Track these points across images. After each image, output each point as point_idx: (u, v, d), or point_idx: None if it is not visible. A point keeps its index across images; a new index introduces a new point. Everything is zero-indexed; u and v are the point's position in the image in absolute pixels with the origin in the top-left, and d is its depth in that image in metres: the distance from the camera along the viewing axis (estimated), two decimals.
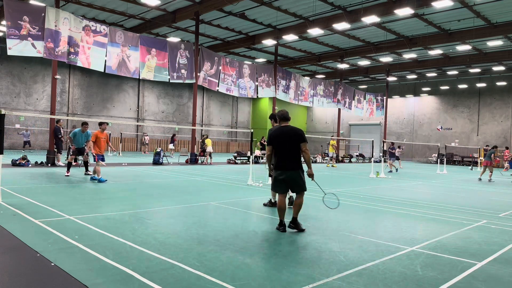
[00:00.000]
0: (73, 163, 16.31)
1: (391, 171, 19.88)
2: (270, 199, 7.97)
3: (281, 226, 5.75)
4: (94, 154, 11.04)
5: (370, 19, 18.74)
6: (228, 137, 42.56)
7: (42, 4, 15.70)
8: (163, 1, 19.73)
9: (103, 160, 11.15)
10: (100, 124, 11.40)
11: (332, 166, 23.94)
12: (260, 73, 25.35)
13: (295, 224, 5.77)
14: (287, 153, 5.65)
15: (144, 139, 31.70)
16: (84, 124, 12.06)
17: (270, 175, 7.42)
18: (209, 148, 21.42)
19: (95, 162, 11.04)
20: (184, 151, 23.57)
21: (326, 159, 28.19)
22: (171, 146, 27.75)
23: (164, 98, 37.06)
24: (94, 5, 20.49)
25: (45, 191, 8.86)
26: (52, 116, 14.49)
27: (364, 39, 25.74)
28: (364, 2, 18.83)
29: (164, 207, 7.46)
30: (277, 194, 6.00)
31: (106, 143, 11.45)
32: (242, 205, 8.02)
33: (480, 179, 16.94)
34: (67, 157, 18.14)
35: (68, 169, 12.28)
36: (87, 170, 12.42)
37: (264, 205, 8.01)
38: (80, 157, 12.59)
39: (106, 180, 10.89)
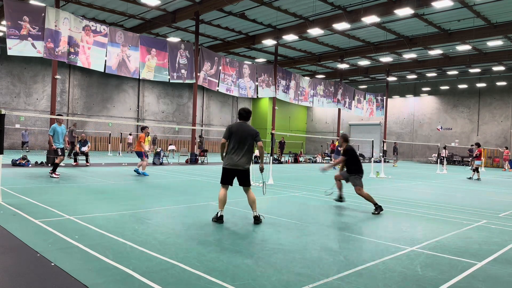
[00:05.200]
0: (74, 163, 16.37)
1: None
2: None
3: None
4: (141, 151, 13.54)
5: (370, 19, 18.74)
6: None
7: (42, 4, 15.70)
8: (163, 1, 19.73)
9: (147, 157, 13.73)
10: (143, 129, 14.00)
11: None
12: (260, 73, 25.33)
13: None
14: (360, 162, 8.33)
15: (128, 138, 31.27)
16: (59, 115, 12.20)
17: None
18: (146, 148, 18.83)
19: (141, 159, 13.52)
20: (184, 151, 23.57)
21: (327, 159, 28.14)
22: (171, 147, 27.39)
23: (164, 98, 37.05)
24: (94, 5, 20.50)
25: (45, 191, 8.85)
26: (52, 116, 14.43)
27: (364, 39, 25.74)
28: (364, 2, 18.83)
29: (164, 207, 7.46)
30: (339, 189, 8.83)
31: (149, 144, 14.09)
32: (242, 205, 8.01)
33: None
34: (70, 154, 18.13)
35: (55, 170, 11.62)
36: (54, 171, 11.65)
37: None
38: (63, 157, 11.91)
39: (148, 175, 13.31)
